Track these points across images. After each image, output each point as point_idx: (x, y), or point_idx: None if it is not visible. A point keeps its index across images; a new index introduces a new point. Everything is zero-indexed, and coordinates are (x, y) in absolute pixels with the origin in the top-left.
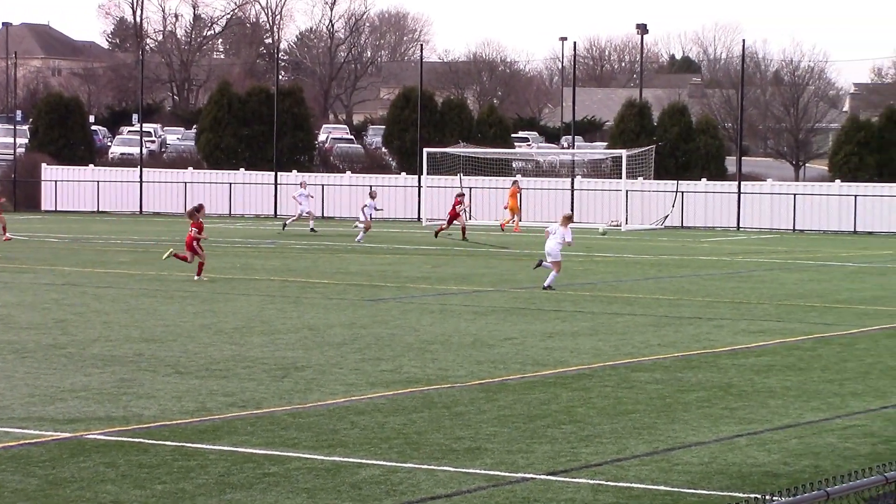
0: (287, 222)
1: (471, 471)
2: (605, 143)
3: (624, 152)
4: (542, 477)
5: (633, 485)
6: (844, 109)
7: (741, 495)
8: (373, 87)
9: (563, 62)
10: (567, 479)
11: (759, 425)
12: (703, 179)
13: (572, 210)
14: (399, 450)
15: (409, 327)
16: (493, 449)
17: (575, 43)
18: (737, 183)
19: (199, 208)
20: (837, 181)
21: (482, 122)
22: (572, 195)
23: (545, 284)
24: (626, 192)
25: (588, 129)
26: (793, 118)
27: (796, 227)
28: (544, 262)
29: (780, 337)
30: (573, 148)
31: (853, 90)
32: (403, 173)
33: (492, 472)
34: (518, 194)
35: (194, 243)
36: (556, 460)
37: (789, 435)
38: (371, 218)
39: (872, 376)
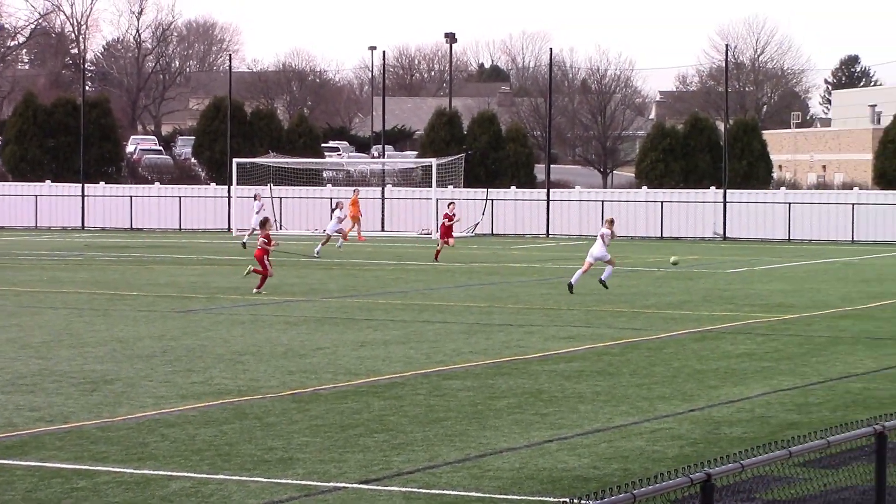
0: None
1: (283, 481)
2: (416, 152)
3: (434, 161)
4: (355, 486)
5: (445, 491)
6: (651, 117)
7: (552, 500)
8: (181, 97)
9: (372, 71)
10: (379, 488)
11: (570, 430)
12: (513, 187)
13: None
14: (210, 462)
15: (220, 338)
16: (306, 459)
17: (384, 52)
18: (546, 190)
19: (265, 222)
20: (644, 188)
21: (292, 131)
22: (382, 204)
23: (602, 279)
24: (437, 200)
25: (398, 139)
26: (600, 126)
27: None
28: (573, 282)
29: (590, 342)
30: (383, 157)
31: (659, 98)
32: (213, 184)
33: (304, 482)
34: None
35: (264, 256)
36: (368, 469)
37: (599, 439)
38: (336, 231)
39: (679, 380)
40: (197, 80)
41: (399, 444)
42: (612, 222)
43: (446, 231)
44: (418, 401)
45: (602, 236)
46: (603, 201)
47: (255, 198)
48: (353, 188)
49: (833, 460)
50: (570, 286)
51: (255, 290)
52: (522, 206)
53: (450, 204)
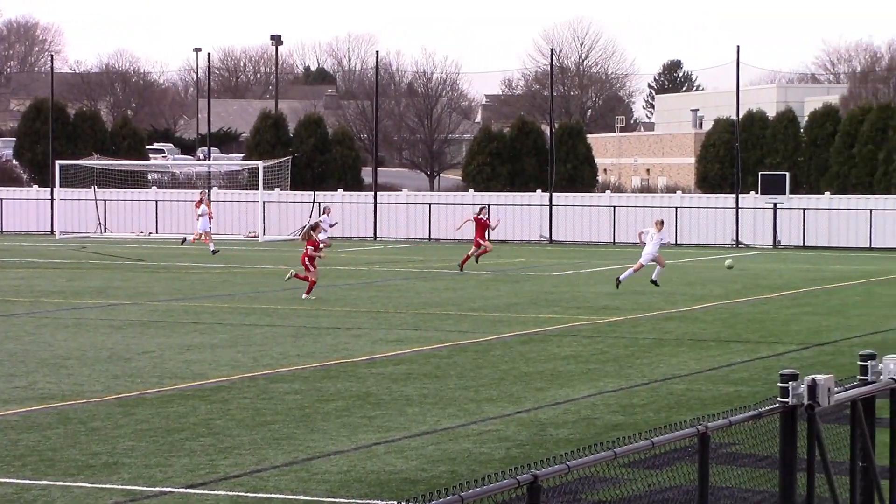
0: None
1: (107, 486)
2: (242, 155)
3: (260, 164)
4: (181, 490)
5: (273, 495)
6: (477, 120)
7: (379, 502)
8: (2, 98)
9: (197, 73)
10: (206, 492)
11: (398, 433)
12: (340, 190)
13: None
14: (33, 467)
15: (44, 342)
16: (131, 463)
17: (209, 54)
18: (373, 193)
19: (315, 227)
20: (471, 191)
21: (116, 133)
22: (208, 206)
23: (652, 279)
24: (264, 203)
25: (224, 141)
26: (427, 129)
27: (432, 237)
28: (621, 278)
29: (417, 345)
30: (209, 159)
31: (485, 101)
32: (35, 186)
33: (129, 487)
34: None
35: (307, 260)
36: (194, 473)
37: (427, 442)
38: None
39: (507, 382)
40: (18, 80)
41: (226, 447)
42: (661, 224)
43: (482, 234)
44: (245, 404)
45: (653, 237)
46: (430, 204)
47: (198, 203)
48: (200, 190)
49: (657, 461)
50: (618, 282)
51: (303, 296)
52: (350, 208)
53: (482, 209)
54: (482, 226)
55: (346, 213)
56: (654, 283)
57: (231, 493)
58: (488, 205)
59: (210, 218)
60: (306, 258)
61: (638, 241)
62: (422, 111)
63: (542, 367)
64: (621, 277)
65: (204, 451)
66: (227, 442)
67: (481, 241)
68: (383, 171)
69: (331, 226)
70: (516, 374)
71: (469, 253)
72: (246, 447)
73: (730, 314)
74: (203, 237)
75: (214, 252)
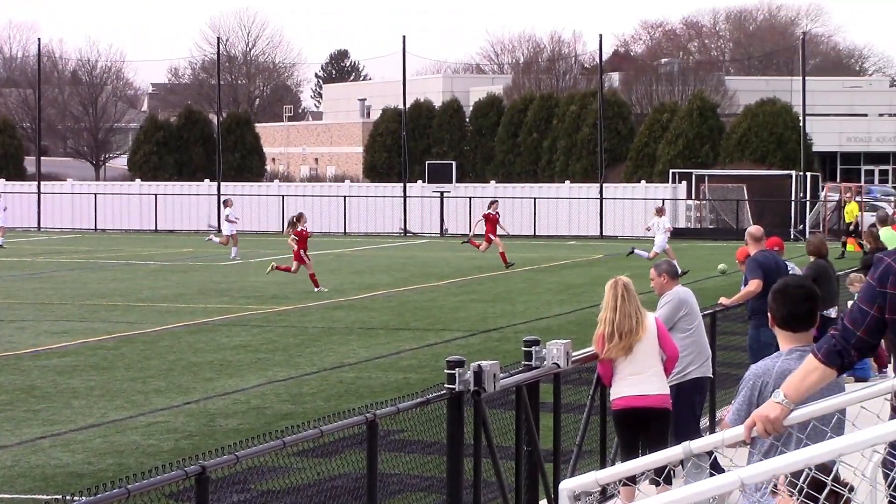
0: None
1: None
2: None
3: None
4: None
5: None
6: (143, 109)
7: (45, 497)
8: None
9: None
10: None
11: (63, 426)
12: (2, 180)
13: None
14: None
15: None
16: None
17: None
18: (37, 183)
19: (300, 217)
20: (138, 180)
21: None
22: None
23: (639, 253)
24: None
25: None
26: (92, 118)
27: (98, 227)
28: (636, 250)
29: (84, 337)
30: None
31: (151, 90)
32: None
33: None
34: None
35: (302, 253)
36: None
37: (93, 434)
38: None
39: (175, 373)
40: None
41: None
42: (660, 210)
43: (492, 229)
44: None
45: (659, 226)
46: (96, 194)
47: (225, 204)
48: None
49: (327, 449)
50: (632, 251)
51: (315, 290)
52: (12, 199)
53: (492, 203)
54: (493, 221)
55: (9, 202)
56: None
57: None
58: (496, 198)
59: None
60: (301, 252)
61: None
62: (86, 99)
63: (212, 357)
64: (636, 251)
65: None
66: None
67: (493, 237)
68: (47, 160)
69: (235, 219)
70: (185, 364)
71: (500, 250)
72: None
73: (398, 302)
74: None
75: None
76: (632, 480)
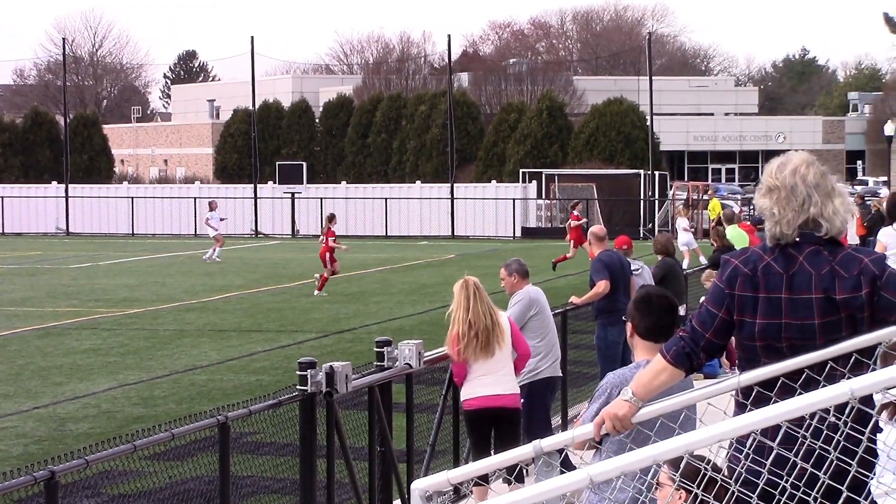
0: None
1: None
2: None
3: None
4: None
5: None
6: None
7: None
8: None
9: None
10: None
11: None
12: None
13: None
14: None
15: None
16: None
17: None
18: None
19: (332, 218)
20: None
21: None
22: None
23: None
24: None
25: None
26: None
27: None
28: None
29: None
30: None
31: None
32: None
33: None
34: None
35: (327, 255)
36: None
37: None
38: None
39: (24, 377)
40: None
41: None
42: (684, 210)
43: (577, 236)
44: None
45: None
46: None
47: (210, 206)
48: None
49: (178, 452)
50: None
51: (315, 293)
52: None
53: (575, 204)
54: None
55: None
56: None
57: None
58: (580, 199)
59: None
60: (326, 252)
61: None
62: None
63: (61, 361)
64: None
65: None
66: None
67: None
68: None
69: (221, 220)
70: (34, 368)
71: (567, 255)
72: None
73: (250, 304)
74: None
75: None
76: (484, 480)
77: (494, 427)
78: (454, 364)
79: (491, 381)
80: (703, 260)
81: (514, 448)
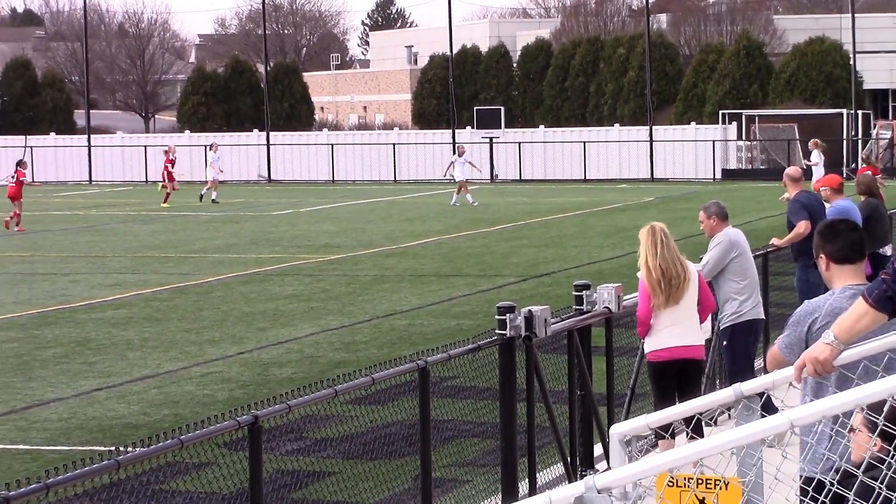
0: (203, 193)
1: None
2: None
3: None
4: None
5: None
6: (191, 60)
7: (101, 448)
8: None
9: None
10: None
11: (119, 378)
12: (52, 134)
13: None
14: None
15: None
16: None
17: None
18: (87, 136)
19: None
20: (187, 131)
21: None
22: None
23: None
24: None
25: None
26: (139, 70)
27: (149, 179)
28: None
29: (137, 289)
30: None
31: (198, 41)
32: None
33: None
34: None
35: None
36: None
37: (149, 385)
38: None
39: (228, 323)
40: None
41: None
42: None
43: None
44: None
45: None
46: (146, 146)
47: (210, 147)
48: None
49: (380, 397)
50: None
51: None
52: (63, 152)
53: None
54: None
55: (59, 156)
56: None
57: None
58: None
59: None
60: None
61: None
62: (134, 52)
63: (264, 307)
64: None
65: None
66: None
67: None
68: (96, 113)
69: (220, 171)
70: (238, 314)
71: None
72: None
73: (449, 249)
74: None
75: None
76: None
77: (681, 378)
78: (641, 312)
79: (680, 331)
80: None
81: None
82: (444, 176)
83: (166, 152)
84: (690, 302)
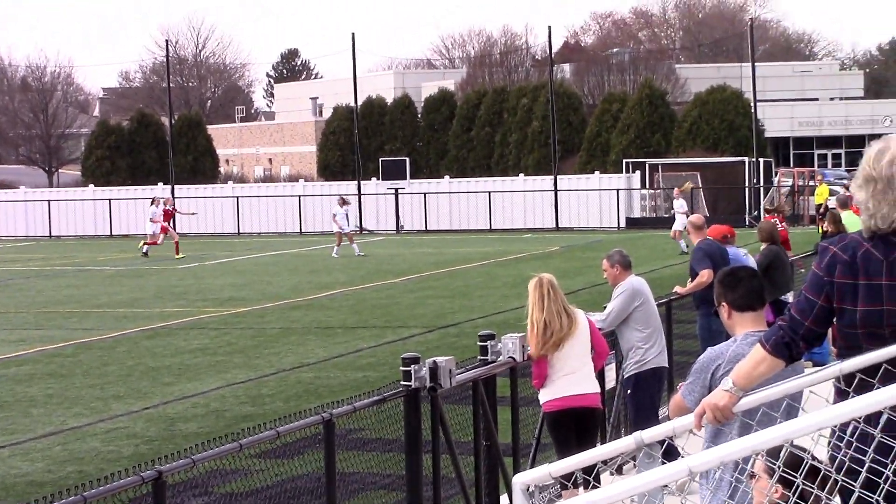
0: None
1: None
2: None
3: None
4: None
5: None
6: (95, 114)
7: None
8: None
9: None
10: None
11: (22, 435)
12: None
13: None
14: None
15: None
16: None
17: None
18: None
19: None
20: (91, 186)
21: None
22: None
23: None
24: None
25: None
26: (43, 124)
27: (52, 234)
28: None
29: (41, 345)
30: None
31: (102, 94)
32: None
33: None
34: None
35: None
36: None
37: (53, 442)
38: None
39: (133, 378)
40: None
41: None
42: (679, 191)
43: None
44: None
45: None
46: (49, 201)
47: (153, 202)
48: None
49: (285, 450)
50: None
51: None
52: None
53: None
54: None
55: None
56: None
57: None
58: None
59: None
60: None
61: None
62: (37, 106)
63: (170, 361)
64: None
65: None
66: None
67: None
68: (0, 168)
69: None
70: (143, 369)
71: None
72: None
73: (356, 300)
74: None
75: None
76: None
77: (578, 427)
78: (535, 364)
79: (575, 379)
80: (683, 245)
81: (594, 447)
82: (345, 228)
83: (164, 203)
84: (583, 350)
